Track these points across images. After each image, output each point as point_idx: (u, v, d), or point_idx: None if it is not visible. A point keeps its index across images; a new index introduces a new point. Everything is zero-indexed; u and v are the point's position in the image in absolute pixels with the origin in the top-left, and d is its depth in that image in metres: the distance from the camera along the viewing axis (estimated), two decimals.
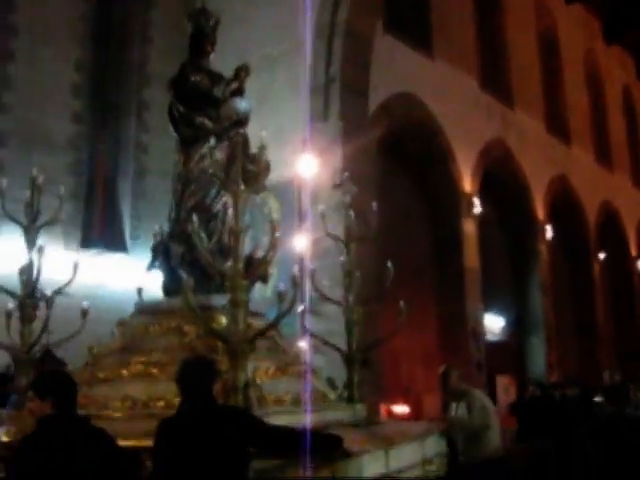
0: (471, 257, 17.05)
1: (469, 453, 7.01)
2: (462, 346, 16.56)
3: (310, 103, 13.02)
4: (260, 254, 5.23)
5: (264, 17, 14.82)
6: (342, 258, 6.86)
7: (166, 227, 6.43)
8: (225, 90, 6.52)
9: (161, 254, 6.23)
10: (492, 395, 14.23)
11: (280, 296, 4.66)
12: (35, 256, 5.85)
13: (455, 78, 17.42)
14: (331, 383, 6.44)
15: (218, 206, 6.19)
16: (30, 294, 5.74)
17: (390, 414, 14.53)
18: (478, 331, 16.94)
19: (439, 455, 6.02)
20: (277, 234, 4.85)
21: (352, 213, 6.76)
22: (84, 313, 5.86)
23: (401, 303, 6.86)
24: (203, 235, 5.19)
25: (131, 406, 5.05)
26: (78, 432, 3.72)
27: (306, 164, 12.81)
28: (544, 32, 23.27)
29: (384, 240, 14.07)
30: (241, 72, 6.69)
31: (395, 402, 15.29)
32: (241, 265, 4.72)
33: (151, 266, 6.38)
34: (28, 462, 3.59)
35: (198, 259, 5.49)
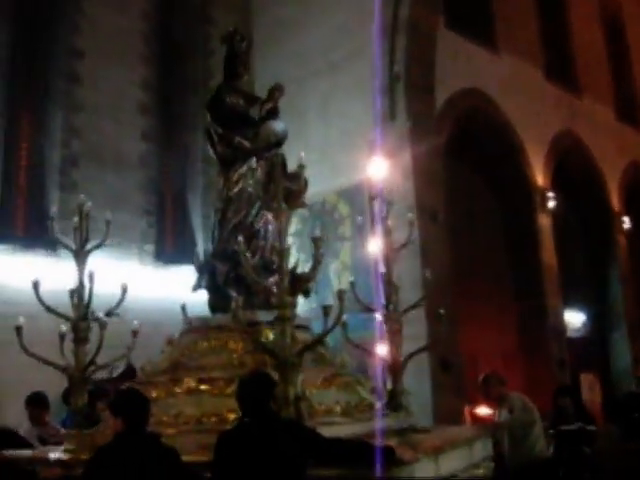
0: (548, 252, 16.59)
1: (515, 455, 7.07)
2: (542, 344, 16.10)
3: (376, 104, 12.88)
4: (304, 269, 5.38)
5: (325, 23, 14.83)
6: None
7: (209, 247, 6.61)
8: (261, 110, 6.67)
9: (206, 273, 6.32)
10: (577, 394, 13.75)
11: (325, 310, 4.88)
12: (86, 279, 5.91)
13: (521, 71, 17.00)
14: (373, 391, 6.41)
15: (259, 224, 6.31)
16: (83, 316, 5.76)
17: (474, 417, 14.20)
18: (559, 328, 16.46)
19: (486, 459, 6.05)
20: (321, 251, 5.00)
21: (390, 224, 6.90)
22: (134, 333, 5.92)
23: (440, 311, 6.79)
24: (248, 254, 5.38)
25: (185, 422, 5.14)
26: (147, 449, 3.85)
27: (376, 166, 12.66)
28: (609, 17, 22.60)
29: (456, 240, 13.85)
30: (275, 92, 6.82)
31: (477, 404, 14.96)
32: (287, 282, 4.89)
33: (197, 286, 6.48)
34: (97, 475, 3.79)
35: (243, 276, 5.71)
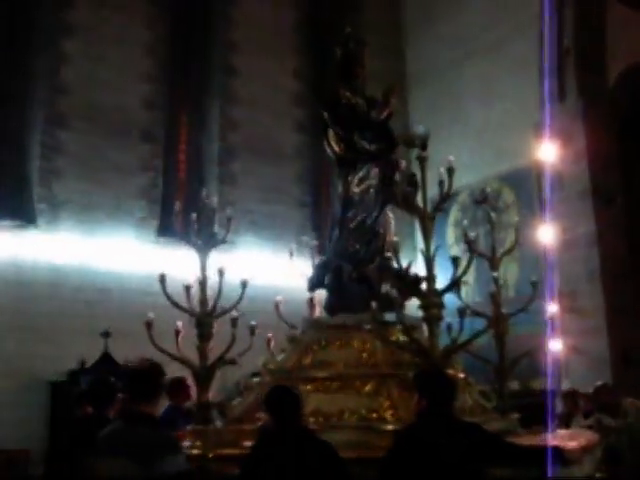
0: None
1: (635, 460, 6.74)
2: None
3: (544, 83, 12.02)
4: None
5: (483, 2, 14.07)
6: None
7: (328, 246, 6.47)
8: (380, 113, 6.44)
9: (331, 272, 6.18)
10: None
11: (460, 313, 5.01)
12: (215, 275, 5.64)
13: None
14: (484, 395, 6.24)
15: (379, 226, 6.21)
16: (211, 312, 5.49)
17: None
18: None
19: (600, 463, 5.83)
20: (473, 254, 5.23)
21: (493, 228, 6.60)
22: (252, 330, 5.71)
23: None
24: (392, 259, 5.46)
25: (323, 420, 5.08)
26: (303, 444, 3.81)
27: (545, 149, 11.83)
28: None
29: (634, 227, 12.74)
30: (391, 95, 6.57)
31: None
32: (434, 284, 5.02)
33: (317, 285, 6.34)
34: (252, 471, 3.83)
35: (367, 277, 5.86)
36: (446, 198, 5.22)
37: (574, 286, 11.59)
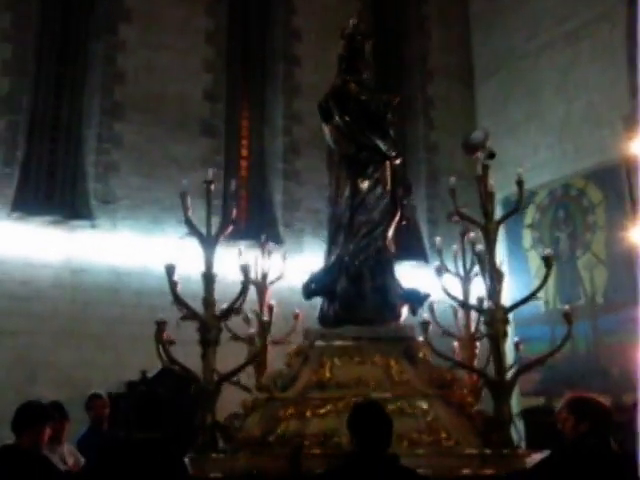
0: None
1: None
2: None
3: (634, 71, 11.09)
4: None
5: None
6: None
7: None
8: (393, 113, 6.10)
9: (347, 279, 5.67)
10: None
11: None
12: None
13: None
14: None
15: (388, 234, 5.76)
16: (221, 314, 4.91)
17: None
18: None
19: None
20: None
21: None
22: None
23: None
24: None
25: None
26: (386, 471, 3.44)
27: (637, 143, 10.88)
28: None
29: None
30: (392, 101, 6.11)
31: None
32: (500, 300, 4.84)
33: (317, 292, 5.82)
34: None
35: (387, 288, 5.54)
36: (513, 213, 5.03)
37: None
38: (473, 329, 5.68)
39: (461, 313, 5.73)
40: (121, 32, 11.28)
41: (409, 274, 12.11)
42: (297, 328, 5.38)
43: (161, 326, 4.69)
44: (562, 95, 13.11)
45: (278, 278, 6.16)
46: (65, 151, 11.09)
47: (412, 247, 13.00)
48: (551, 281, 12.57)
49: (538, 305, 12.54)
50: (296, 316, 6.05)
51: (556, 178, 12.78)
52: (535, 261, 12.13)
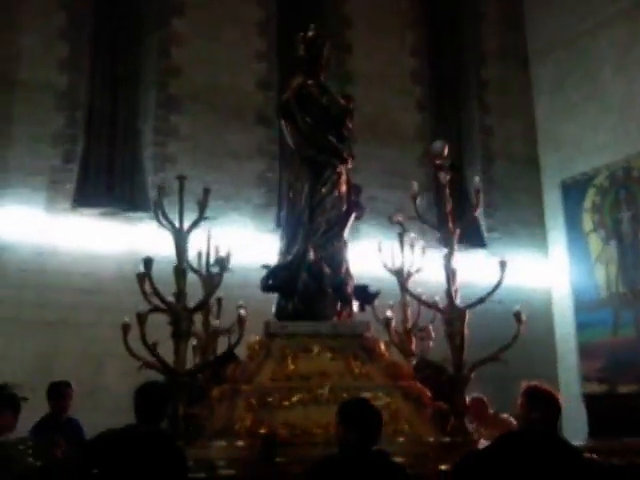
0: None
1: None
2: None
3: None
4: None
5: None
6: None
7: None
8: (351, 118, 6.23)
9: (309, 275, 5.84)
10: None
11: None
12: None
13: None
14: None
15: (345, 232, 6.06)
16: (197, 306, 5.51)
17: None
18: None
19: None
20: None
21: None
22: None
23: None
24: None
25: (324, 432, 4.71)
26: (376, 467, 3.51)
27: None
28: None
29: None
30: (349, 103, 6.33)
31: None
32: (456, 299, 5.22)
33: (273, 287, 5.96)
34: None
35: (345, 285, 5.82)
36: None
37: None
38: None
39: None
40: (174, 25, 11.36)
41: (469, 262, 12.09)
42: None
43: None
44: (622, 74, 12.75)
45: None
46: (123, 145, 11.25)
47: (472, 233, 12.82)
48: (613, 264, 12.42)
49: (599, 289, 12.32)
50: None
51: (617, 160, 12.47)
52: (596, 245, 11.85)
